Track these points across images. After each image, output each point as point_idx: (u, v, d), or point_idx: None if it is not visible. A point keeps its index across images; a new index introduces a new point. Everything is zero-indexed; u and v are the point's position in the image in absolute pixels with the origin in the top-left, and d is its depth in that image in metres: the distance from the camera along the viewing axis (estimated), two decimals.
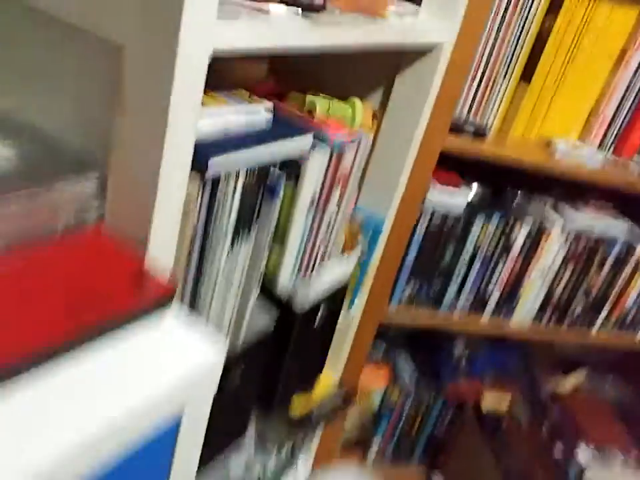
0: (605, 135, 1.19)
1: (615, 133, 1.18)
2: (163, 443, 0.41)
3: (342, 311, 0.85)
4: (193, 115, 0.45)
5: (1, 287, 0.39)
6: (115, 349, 0.40)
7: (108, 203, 0.50)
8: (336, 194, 0.74)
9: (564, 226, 1.17)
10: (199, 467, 0.49)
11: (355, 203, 0.91)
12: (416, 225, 1.07)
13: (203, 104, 0.51)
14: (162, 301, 0.43)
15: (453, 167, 1.12)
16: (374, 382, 1.33)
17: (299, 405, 0.80)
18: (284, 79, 0.78)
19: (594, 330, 1.29)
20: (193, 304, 0.59)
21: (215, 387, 0.44)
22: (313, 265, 0.78)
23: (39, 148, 0.52)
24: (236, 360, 0.61)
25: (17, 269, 0.41)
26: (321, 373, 0.82)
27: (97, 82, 0.50)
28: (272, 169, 0.61)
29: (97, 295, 0.41)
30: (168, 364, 0.40)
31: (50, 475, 0.31)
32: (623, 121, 1.18)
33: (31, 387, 0.35)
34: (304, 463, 0.95)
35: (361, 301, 1.01)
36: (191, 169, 0.48)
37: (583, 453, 1.07)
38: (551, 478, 1.10)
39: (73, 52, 0.51)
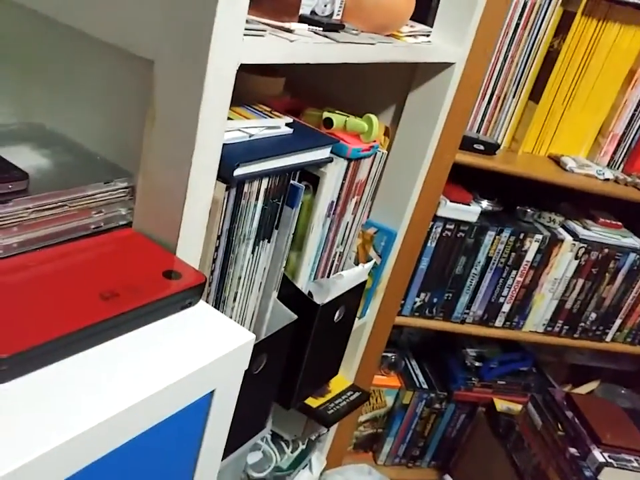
0: (614, 153, 1.21)
1: (625, 150, 1.21)
2: (197, 415, 0.45)
3: (355, 317, 0.88)
4: (220, 127, 0.48)
5: (42, 278, 0.42)
6: (153, 331, 0.43)
7: (137, 208, 0.53)
8: (352, 204, 0.77)
9: (574, 239, 1.19)
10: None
11: (367, 217, 0.94)
12: (428, 235, 1.10)
13: (228, 117, 0.55)
14: (194, 288, 0.46)
15: (464, 185, 1.15)
16: (387, 384, 1.37)
17: (315, 401, 0.83)
18: (299, 95, 0.82)
19: (607, 339, 1.30)
20: (218, 303, 0.63)
21: (245, 365, 0.47)
22: (329, 273, 0.81)
23: (72, 157, 0.56)
24: (260, 349, 0.64)
25: (55, 262, 0.44)
26: (336, 373, 0.85)
27: (127, 95, 0.53)
28: (292, 179, 0.65)
29: (133, 283, 0.44)
30: (202, 343, 0.43)
31: (100, 432, 0.35)
32: (632, 139, 1.20)
33: (82, 357, 0.39)
34: (317, 460, 0.97)
35: (373, 310, 1.03)
36: (217, 177, 0.51)
37: (598, 455, 1.08)
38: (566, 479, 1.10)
39: (105, 67, 0.54)
